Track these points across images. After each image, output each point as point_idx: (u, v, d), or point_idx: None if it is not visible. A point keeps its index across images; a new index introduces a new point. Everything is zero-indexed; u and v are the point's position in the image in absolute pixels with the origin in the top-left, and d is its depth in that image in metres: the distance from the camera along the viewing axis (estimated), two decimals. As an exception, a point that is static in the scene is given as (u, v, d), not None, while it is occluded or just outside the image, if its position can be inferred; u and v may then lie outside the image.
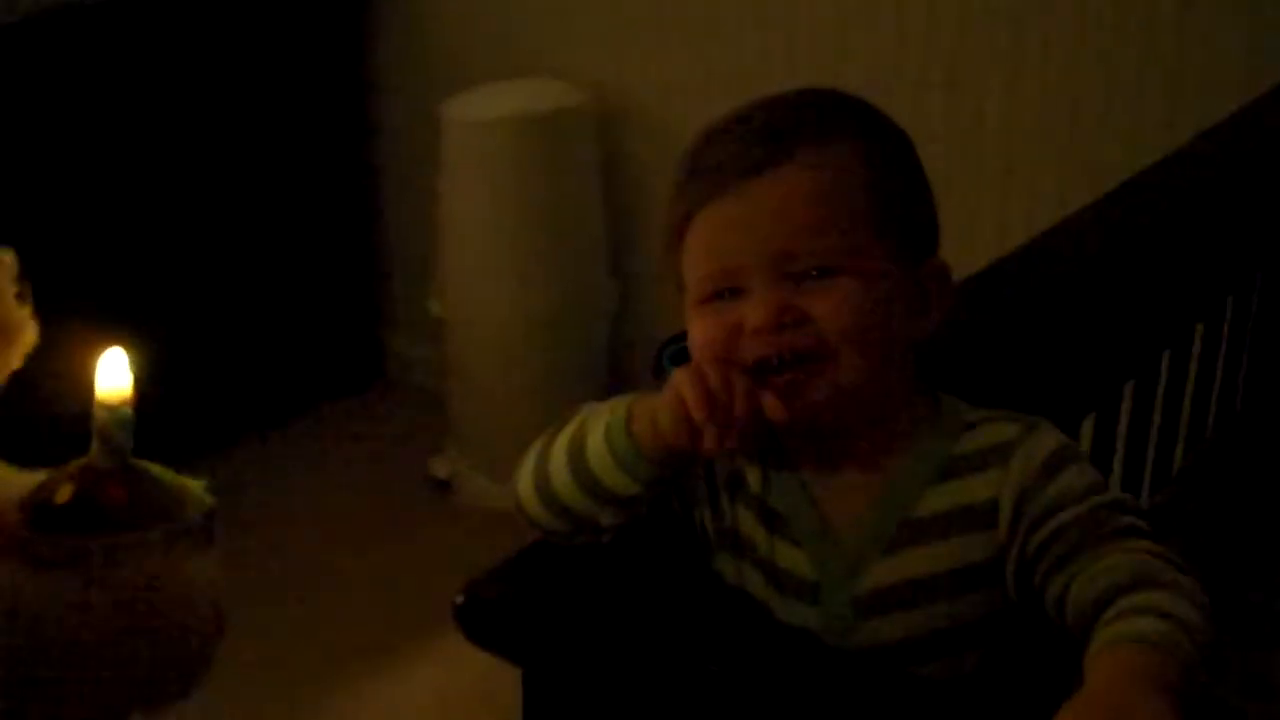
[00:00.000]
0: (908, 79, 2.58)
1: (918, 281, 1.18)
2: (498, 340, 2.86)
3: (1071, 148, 2.48)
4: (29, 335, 1.04)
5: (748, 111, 1.19)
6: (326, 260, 3.23)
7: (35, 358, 1.03)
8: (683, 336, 1.20)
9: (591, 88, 2.89)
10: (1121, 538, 1.09)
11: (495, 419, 2.86)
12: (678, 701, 1.11)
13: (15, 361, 1.03)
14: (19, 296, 1.04)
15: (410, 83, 3.18)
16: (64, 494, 0.93)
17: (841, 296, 1.12)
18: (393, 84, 3.23)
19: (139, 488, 0.95)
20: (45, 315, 1.04)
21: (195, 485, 1.00)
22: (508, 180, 2.81)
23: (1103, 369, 1.65)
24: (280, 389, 3.19)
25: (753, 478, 1.20)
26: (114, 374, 0.96)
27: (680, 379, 1.12)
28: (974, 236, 2.51)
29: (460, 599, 1.15)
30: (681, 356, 1.20)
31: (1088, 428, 1.65)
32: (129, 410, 0.96)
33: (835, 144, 1.15)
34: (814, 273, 1.12)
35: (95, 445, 0.95)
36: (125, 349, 0.99)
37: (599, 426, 1.16)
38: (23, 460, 1.00)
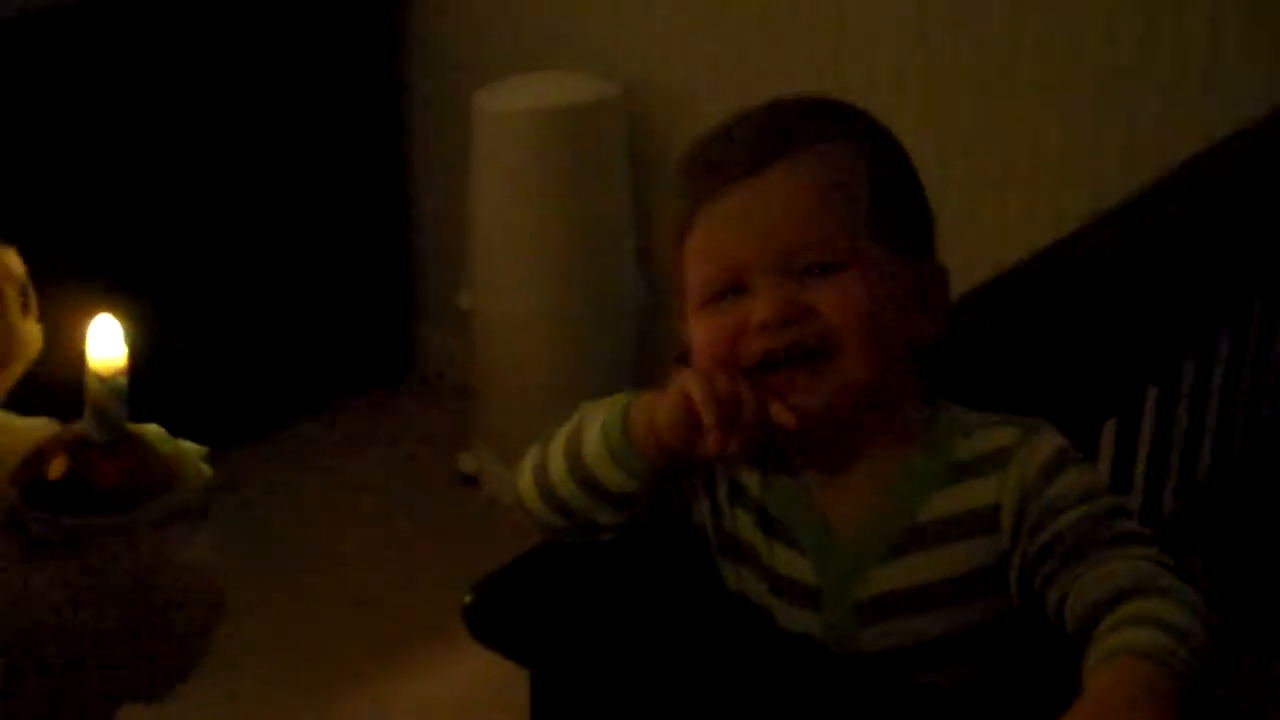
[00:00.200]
0: (935, 72, 2.57)
1: (917, 281, 1.18)
2: (525, 334, 2.86)
3: (1068, 154, 2.48)
4: (33, 348, 1.03)
5: (748, 113, 1.21)
6: (358, 252, 3.23)
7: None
8: None
9: (623, 81, 2.88)
10: (1121, 543, 1.09)
11: (522, 414, 2.86)
12: (683, 702, 1.11)
13: (19, 372, 1.03)
14: (24, 307, 1.03)
15: (442, 74, 3.18)
16: (57, 469, 0.93)
17: (846, 291, 1.12)
18: (425, 76, 3.22)
19: (133, 462, 0.94)
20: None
21: (193, 452, 0.99)
22: (538, 172, 2.80)
23: (1123, 373, 1.64)
24: (311, 381, 3.20)
25: (752, 483, 1.20)
26: (107, 343, 0.95)
27: (687, 380, 1.12)
28: (973, 241, 2.51)
29: (468, 599, 1.16)
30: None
31: (1109, 433, 1.64)
32: (123, 381, 0.95)
33: (835, 143, 1.17)
34: (818, 268, 1.13)
35: (89, 417, 0.94)
36: (121, 320, 0.97)
37: (596, 423, 1.16)
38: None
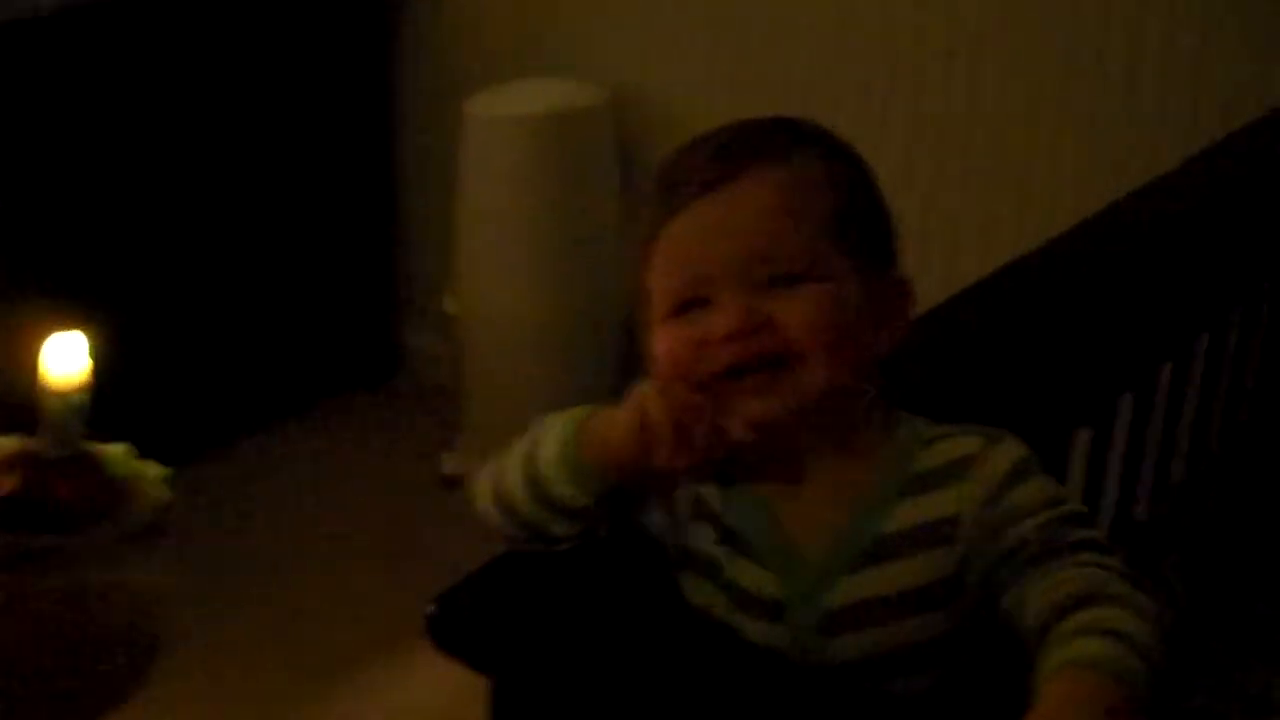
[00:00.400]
0: (930, 76, 2.58)
1: (879, 295, 1.18)
2: (511, 338, 2.87)
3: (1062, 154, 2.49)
4: None
5: (713, 132, 1.21)
6: (346, 255, 3.24)
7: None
8: None
9: (612, 88, 2.89)
10: (1077, 551, 1.09)
11: (507, 417, 2.85)
12: (644, 712, 1.11)
13: None
14: None
15: (432, 80, 3.19)
16: (7, 485, 0.92)
17: (806, 303, 1.13)
18: (415, 81, 3.23)
19: (88, 481, 0.93)
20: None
21: (153, 473, 0.98)
22: (526, 178, 2.81)
23: (1099, 380, 1.65)
24: (296, 383, 3.20)
25: (712, 496, 1.20)
26: (67, 359, 0.94)
27: (644, 395, 1.12)
28: (960, 243, 2.53)
29: (431, 610, 1.15)
30: None
31: (1084, 440, 1.64)
32: (84, 397, 0.94)
33: (797, 158, 1.18)
34: (780, 281, 1.14)
35: (45, 434, 0.93)
36: (88, 333, 0.96)
37: (552, 437, 1.17)
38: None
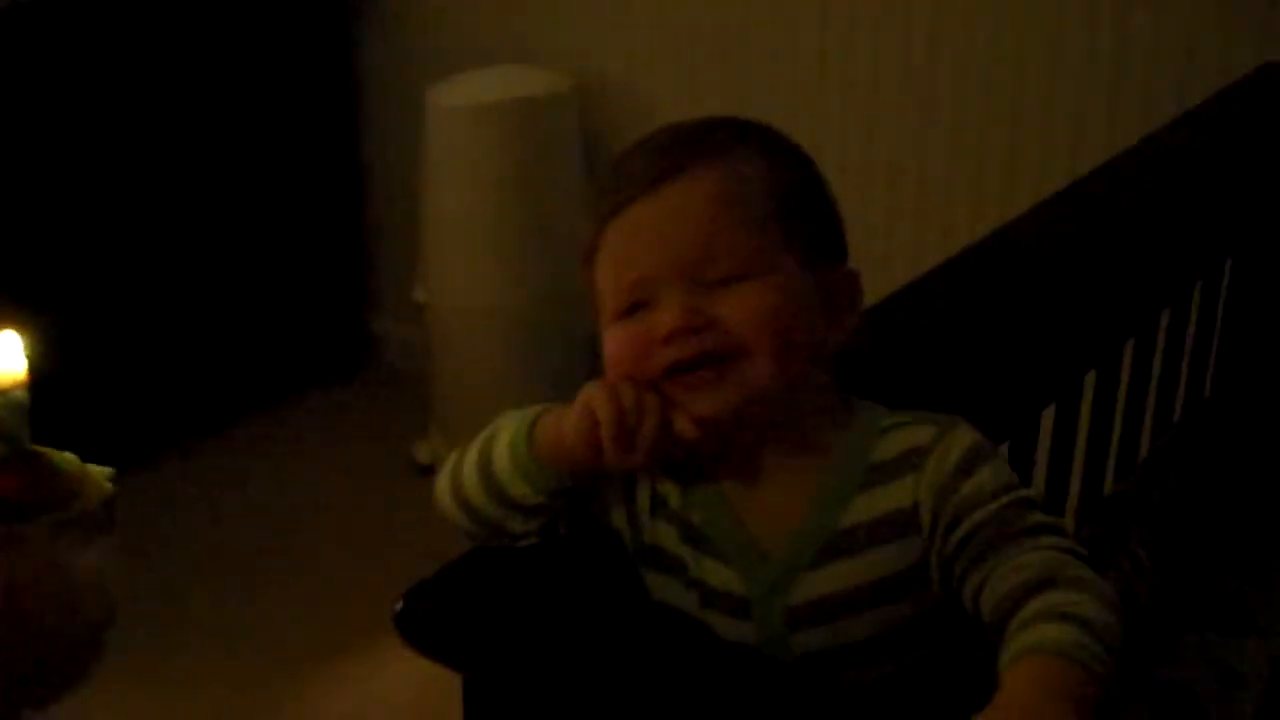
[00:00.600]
0: (888, 63, 2.59)
1: (827, 289, 1.19)
2: (480, 326, 2.87)
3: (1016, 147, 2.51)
4: None
5: (656, 133, 1.22)
6: (313, 246, 3.24)
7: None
8: None
9: (574, 74, 2.90)
10: (1033, 535, 1.10)
11: (477, 405, 2.87)
12: (614, 706, 1.12)
13: None
14: None
15: (395, 69, 3.19)
16: None
17: (749, 300, 1.14)
18: (378, 70, 3.24)
19: (32, 475, 0.94)
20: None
21: (98, 472, 0.99)
22: (490, 166, 2.82)
23: (1065, 357, 1.66)
24: (267, 374, 3.21)
25: (673, 494, 1.21)
26: (5, 358, 0.95)
27: (592, 394, 1.13)
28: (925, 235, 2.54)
29: (399, 606, 1.15)
30: None
31: (1049, 417, 1.65)
32: (23, 394, 0.95)
33: (736, 157, 1.18)
34: (721, 279, 1.14)
35: None
36: (21, 333, 0.96)
37: (506, 435, 1.18)
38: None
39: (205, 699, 2.45)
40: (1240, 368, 2.05)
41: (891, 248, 2.60)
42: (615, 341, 1.17)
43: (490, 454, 1.18)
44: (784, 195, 1.18)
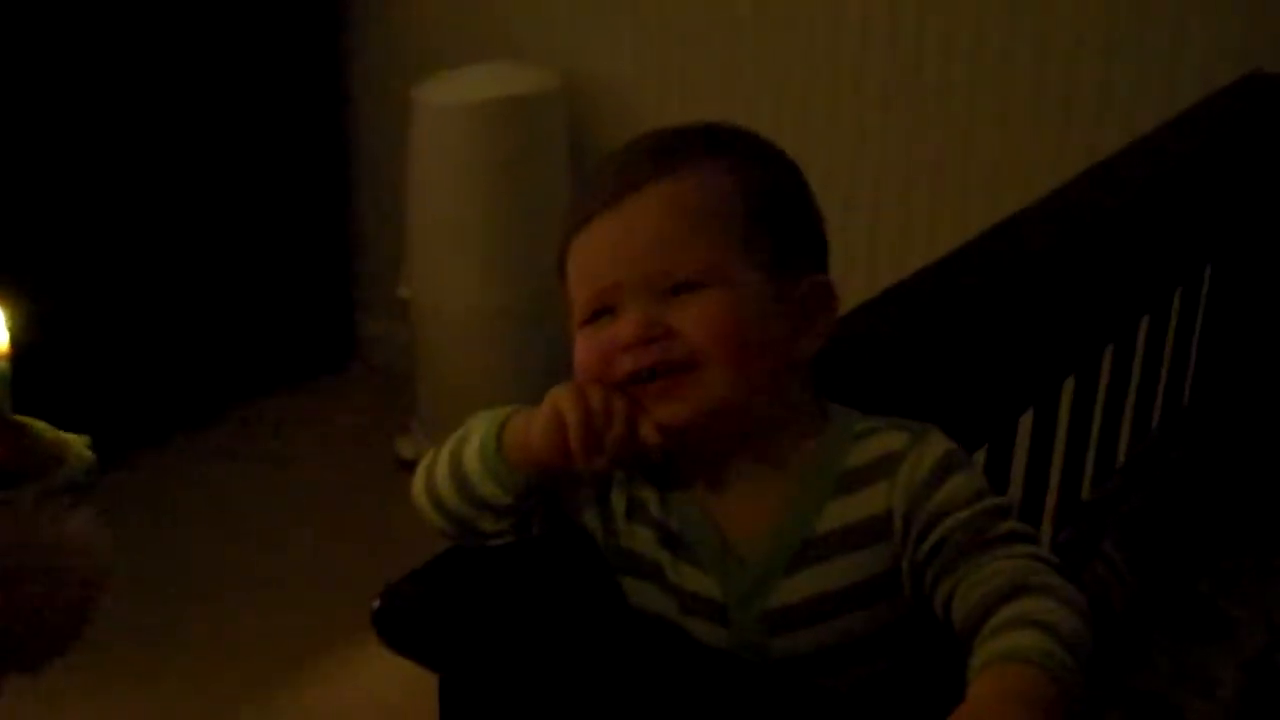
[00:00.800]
0: (875, 64, 2.60)
1: (797, 298, 1.19)
2: (465, 323, 2.88)
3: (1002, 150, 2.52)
4: None
5: (632, 142, 1.23)
6: (300, 242, 3.24)
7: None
8: None
9: (562, 72, 2.90)
10: (1004, 542, 1.11)
11: (461, 402, 2.85)
12: (591, 707, 1.12)
13: None
14: None
15: (382, 67, 3.20)
16: None
17: (707, 309, 1.14)
18: (364, 68, 3.24)
19: (14, 444, 0.95)
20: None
21: (77, 440, 1.00)
22: (477, 164, 2.82)
23: (1045, 362, 1.67)
24: (252, 369, 3.21)
25: (651, 499, 1.22)
26: None
27: (560, 396, 1.14)
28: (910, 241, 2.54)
29: (377, 604, 1.15)
30: None
31: (1027, 421, 1.66)
32: (5, 366, 0.96)
33: (705, 166, 1.18)
34: (683, 288, 1.15)
35: None
36: (3, 308, 0.98)
37: (475, 436, 1.19)
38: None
39: (180, 694, 2.45)
40: (1219, 375, 2.05)
41: (876, 251, 2.61)
42: (582, 349, 1.18)
43: (461, 455, 1.19)
44: (752, 207, 1.18)
